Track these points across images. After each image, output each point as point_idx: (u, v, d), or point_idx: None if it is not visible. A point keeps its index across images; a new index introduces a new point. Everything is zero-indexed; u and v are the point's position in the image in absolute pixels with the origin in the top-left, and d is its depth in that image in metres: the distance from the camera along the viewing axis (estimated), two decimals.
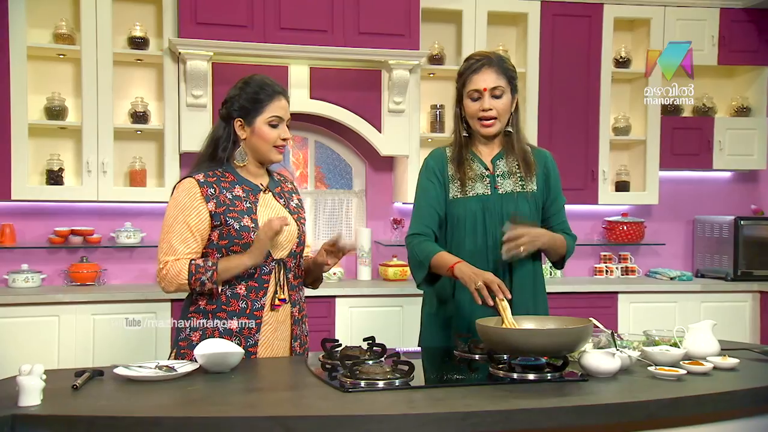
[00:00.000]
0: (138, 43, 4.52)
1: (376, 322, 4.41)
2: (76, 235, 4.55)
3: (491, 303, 2.24)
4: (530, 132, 4.99)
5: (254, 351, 2.41)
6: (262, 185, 2.52)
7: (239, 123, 2.45)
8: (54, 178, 4.43)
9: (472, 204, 2.56)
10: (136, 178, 4.57)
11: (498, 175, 2.60)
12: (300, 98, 4.56)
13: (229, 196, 2.42)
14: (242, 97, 2.45)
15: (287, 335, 2.50)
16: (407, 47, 4.57)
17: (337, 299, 4.47)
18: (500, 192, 2.57)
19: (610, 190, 5.25)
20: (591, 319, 2.42)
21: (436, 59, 4.93)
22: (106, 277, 4.64)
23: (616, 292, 4.92)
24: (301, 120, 4.81)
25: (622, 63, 5.27)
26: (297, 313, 2.53)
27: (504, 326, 2.19)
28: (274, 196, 2.53)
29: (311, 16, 4.48)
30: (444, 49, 4.99)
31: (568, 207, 5.10)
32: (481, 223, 2.54)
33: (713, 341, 2.27)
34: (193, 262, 2.36)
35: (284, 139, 2.49)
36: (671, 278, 5.18)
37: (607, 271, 5.36)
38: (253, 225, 2.41)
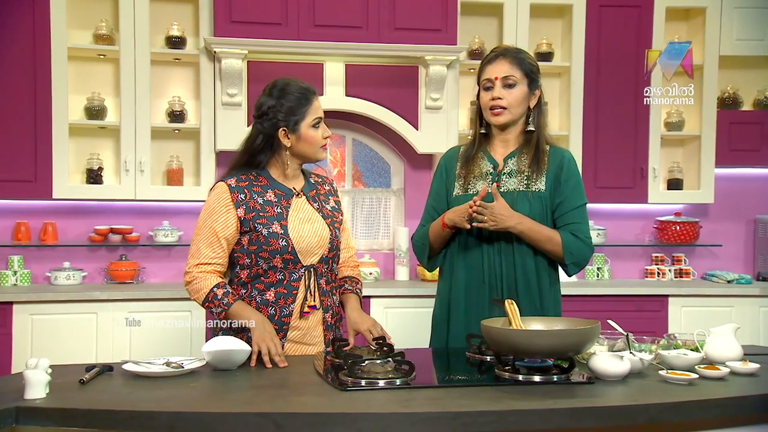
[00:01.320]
0: (175, 43, 4.67)
1: (412, 323, 4.44)
2: (116, 233, 4.73)
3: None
4: (574, 128, 4.97)
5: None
6: (295, 189, 2.57)
7: (284, 132, 2.49)
8: (93, 177, 4.62)
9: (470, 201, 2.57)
10: (174, 177, 4.72)
11: (504, 174, 2.61)
12: (335, 96, 4.63)
13: (260, 201, 2.49)
14: (282, 107, 2.47)
15: (319, 340, 2.55)
16: (444, 42, 4.60)
17: (372, 299, 4.52)
18: (501, 190, 2.58)
19: (661, 188, 5.17)
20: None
21: (477, 54, 4.94)
22: (145, 276, 4.80)
23: (667, 296, 4.84)
24: (338, 117, 4.89)
25: None
26: (330, 319, 2.58)
27: (511, 327, 2.21)
28: (307, 200, 2.58)
29: (346, 12, 4.55)
30: (485, 43, 5.00)
31: (616, 206, 5.16)
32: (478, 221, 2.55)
33: (735, 345, 2.24)
34: (215, 289, 2.42)
35: (326, 137, 2.55)
36: (728, 281, 5.06)
37: (658, 273, 5.27)
38: (282, 231, 2.46)
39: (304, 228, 2.50)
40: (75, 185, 4.59)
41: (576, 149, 4.95)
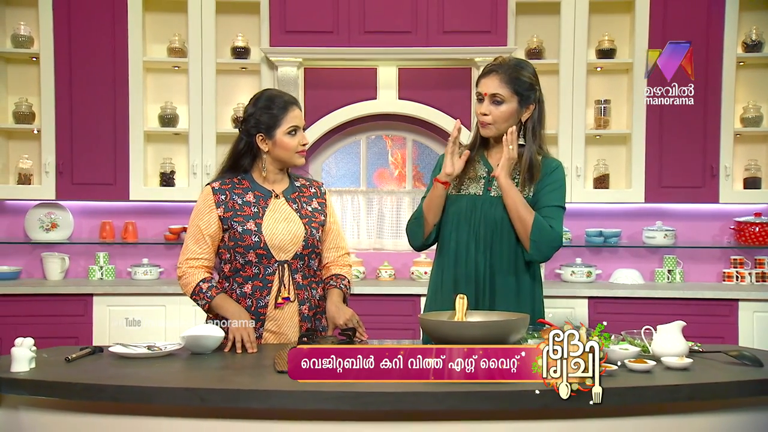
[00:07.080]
0: (240, 53, 5.07)
1: None
2: None
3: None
4: (637, 125, 4.94)
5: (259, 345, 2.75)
6: (274, 191, 2.86)
7: (261, 137, 2.80)
8: (166, 180, 5.11)
9: (462, 202, 2.76)
10: None
11: (497, 178, 2.76)
12: (388, 99, 4.89)
13: (239, 202, 2.80)
14: (259, 114, 2.79)
15: (295, 332, 2.81)
16: (494, 44, 4.74)
17: (422, 298, 4.70)
18: (492, 194, 2.73)
19: (736, 187, 5.04)
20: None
21: (535, 53, 5.02)
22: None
23: (737, 300, 4.72)
24: (396, 120, 5.13)
25: (752, 47, 5.03)
26: (307, 311, 2.84)
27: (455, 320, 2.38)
28: (287, 201, 2.86)
29: (395, 17, 4.79)
30: (543, 42, 5.07)
31: (688, 206, 5.08)
32: (466, 221, 2.71)
33: (680, 342, 2.31)
34: (201, 283, 2.76)
35: (303, 144, 2.83)
36: None
37: (737, 276, 5.13)
38: (256, 228, 2.76)
39: (279, 227, 2.77)
40: (150, 187, 5.09)
41: (639, 147, 4.94)
